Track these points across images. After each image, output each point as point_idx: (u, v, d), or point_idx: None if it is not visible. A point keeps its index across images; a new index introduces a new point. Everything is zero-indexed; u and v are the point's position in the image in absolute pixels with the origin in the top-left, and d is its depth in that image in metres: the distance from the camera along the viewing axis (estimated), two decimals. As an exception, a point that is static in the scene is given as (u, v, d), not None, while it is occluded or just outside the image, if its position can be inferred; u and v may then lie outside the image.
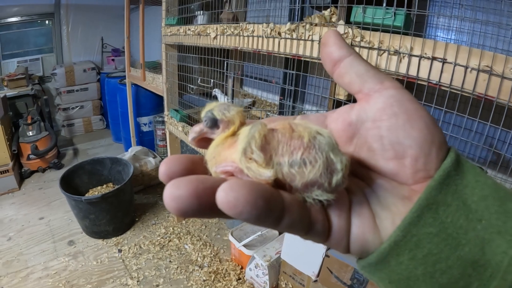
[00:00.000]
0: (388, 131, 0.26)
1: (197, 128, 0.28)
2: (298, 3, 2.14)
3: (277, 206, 0.22)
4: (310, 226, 0.24)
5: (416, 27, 1.07)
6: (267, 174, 0.22)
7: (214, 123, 0.26)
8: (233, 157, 0.23)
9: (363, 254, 0.26)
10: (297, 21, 1.56)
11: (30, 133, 3.86)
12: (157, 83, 2.95)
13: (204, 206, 0.21)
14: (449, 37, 1.54)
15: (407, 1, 0.99)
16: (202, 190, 0.21)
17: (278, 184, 0.23)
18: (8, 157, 3.57)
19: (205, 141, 0.28)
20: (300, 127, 0.23)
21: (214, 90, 2.22)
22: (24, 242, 2.82)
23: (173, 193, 0.20)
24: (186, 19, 2.10)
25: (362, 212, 0.26)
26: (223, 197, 0.19)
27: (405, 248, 0.24)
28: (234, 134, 0.25)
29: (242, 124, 0.26)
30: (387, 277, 0.25)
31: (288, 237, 2.03)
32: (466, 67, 0.86)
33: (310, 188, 0.23)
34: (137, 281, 2.35)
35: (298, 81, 2.23)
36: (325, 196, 0.23)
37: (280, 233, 2.37)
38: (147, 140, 3.92)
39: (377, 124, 0.27)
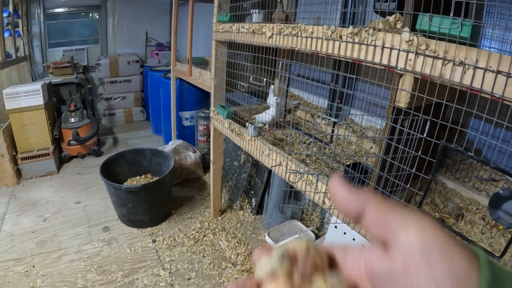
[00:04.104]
0: None
1: None
2: (351, 7, 2.12)
3: None
4: None
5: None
6: None
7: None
8: None
9: None
10: (348, 24, 1.52)
11: (73, 120, 3.99)
12: (204, 79, 2.97)
13: None
14: (504, 49, 1.49)
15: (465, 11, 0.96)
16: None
17: None
18: (49, 141, 3.71)
19: None
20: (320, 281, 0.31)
21: (270, 88, 2.21)
22: (59, 224, 2.89)
23: None
24: (239, 17, 2.10)
25: None
26: None
27: None
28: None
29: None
30: None
31: (326, 242, 2.00)
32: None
33: None
34: (169, 273, 2.37)
35: (347, 85, 2.21)
36: None
37: (317, 238, 2.35)
38: (187, 135, 3.95)
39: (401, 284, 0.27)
